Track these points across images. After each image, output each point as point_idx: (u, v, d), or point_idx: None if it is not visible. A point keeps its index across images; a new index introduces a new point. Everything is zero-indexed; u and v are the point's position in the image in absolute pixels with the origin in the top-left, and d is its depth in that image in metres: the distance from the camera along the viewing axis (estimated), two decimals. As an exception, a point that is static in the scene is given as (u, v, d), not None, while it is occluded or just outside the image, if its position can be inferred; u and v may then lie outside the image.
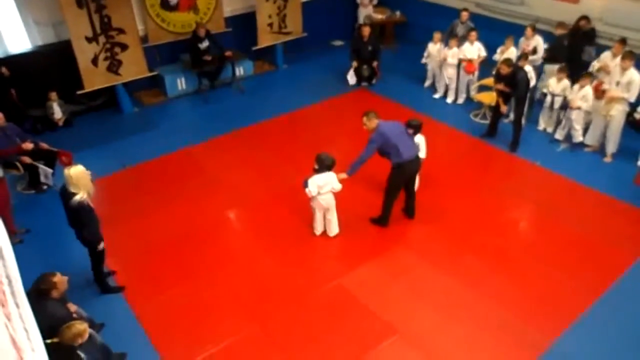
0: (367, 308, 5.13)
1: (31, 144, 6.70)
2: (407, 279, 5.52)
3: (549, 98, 7.86)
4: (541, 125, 8.26)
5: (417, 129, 6.23)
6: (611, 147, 7.39)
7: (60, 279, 4.13)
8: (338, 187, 5.73)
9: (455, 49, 8.88)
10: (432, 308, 5.15)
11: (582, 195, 6.79)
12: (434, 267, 5.66)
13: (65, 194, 4.63)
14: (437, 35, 9.12)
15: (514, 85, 7.37)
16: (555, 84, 7.64)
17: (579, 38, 8.32)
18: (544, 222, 6.36)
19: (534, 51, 8.37)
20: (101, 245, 5.02)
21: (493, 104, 7.99)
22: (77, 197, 4.55)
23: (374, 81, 9.98)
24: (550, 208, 6.54)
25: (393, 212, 6.20)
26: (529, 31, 8.42)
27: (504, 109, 7.75)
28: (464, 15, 9.31)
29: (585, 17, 8.31)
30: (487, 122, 8.29)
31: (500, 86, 7.53)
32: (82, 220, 4.74)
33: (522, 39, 8.55)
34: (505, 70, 7.31)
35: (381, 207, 6.14)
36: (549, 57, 8.34)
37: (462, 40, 8.98)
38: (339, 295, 5.31)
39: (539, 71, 8.58)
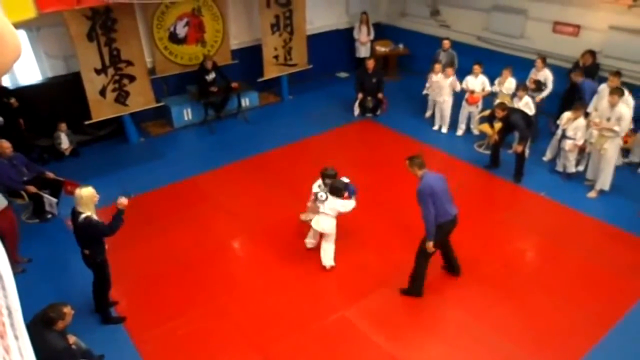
0: (370, 339, 5.05)
1: (34, 188, 6.65)
2: (411, 310, 5.45)
3: (559, 131, 7.62)
4: (547, 156, 8.19)
5: (335, 188, 5.81)
6: (602, 181, 7.13)
7: (70, 312, 4.11)
8: (345, 210, 5.78)
9: (452, 79, 8.96)
10: (437, 340, 5.07)
11: (588, 226, 6.73)
12: (438, 298, 5.58)
13: (74, 213, 4.81)
14: (437, 67, 9.26)
15: (511, 126, 7.47)
16: (566, 119, 7.34)
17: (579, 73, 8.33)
18: (550, 253, 6.29)
19: (539, 83, 8.33)
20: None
21: (494, 136, 7.97)
22: (84, 215, 4.74)
23: (378, 112, 10.08)
24: (556, 239, 6.48)
25: (396, 244, 6.14)
26: (539, 63, 8.38)
27: (494, 137, 7.76)
28: (446, 44, 9.93)
29: (589, 52, 8.32)
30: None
31: (498, 125, 7.63)
32: (89, 236, 4.85)
33: (532, 70, 8.53)
34: (500, 113, 7.44)
35: (411, 274, 5.49)
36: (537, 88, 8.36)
37: (445, 67, 9.17)
38: (342, 327, 5.23)
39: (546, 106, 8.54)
